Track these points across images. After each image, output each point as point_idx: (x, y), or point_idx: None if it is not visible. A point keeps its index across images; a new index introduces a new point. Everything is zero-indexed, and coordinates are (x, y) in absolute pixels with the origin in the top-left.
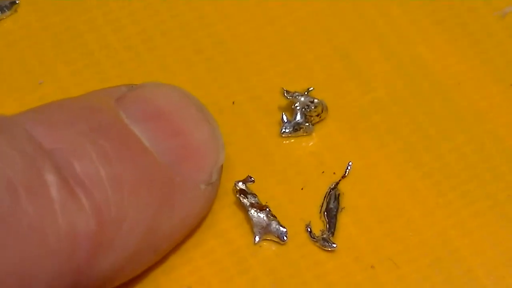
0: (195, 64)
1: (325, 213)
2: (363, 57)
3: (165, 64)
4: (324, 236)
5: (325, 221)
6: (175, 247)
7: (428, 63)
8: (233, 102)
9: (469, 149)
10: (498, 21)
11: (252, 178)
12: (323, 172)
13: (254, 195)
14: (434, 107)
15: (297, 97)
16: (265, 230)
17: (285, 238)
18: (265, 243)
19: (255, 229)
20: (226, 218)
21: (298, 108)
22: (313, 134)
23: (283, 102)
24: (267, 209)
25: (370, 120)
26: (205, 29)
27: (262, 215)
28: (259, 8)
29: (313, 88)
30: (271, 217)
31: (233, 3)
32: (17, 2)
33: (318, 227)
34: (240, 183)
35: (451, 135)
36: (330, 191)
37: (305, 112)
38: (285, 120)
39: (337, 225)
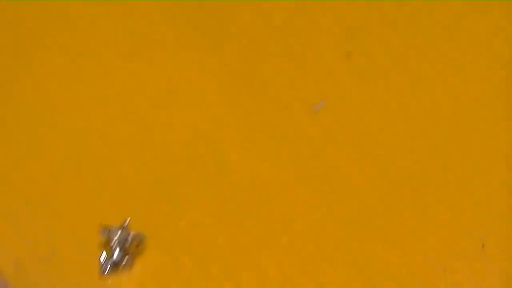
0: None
1: None
2: (175, 179)
3: None
4: None
5: None
6: None
7: (240, 172)
8: (53, 251)
9: None
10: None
11: None
12: None
13: None
14: (250, 210)
15: (113, 233)
16: None
17: None
18: None
19: None
20: None
21: (116, 244)
22: (134, 267)
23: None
24: None
25: (191, 243)
26: None
27: None
28: None
29: (129, 219)
30: None
31: None
32: None
33: None
34: None
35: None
36: None
37: (123, 246)
38: (104, 260)
39: None
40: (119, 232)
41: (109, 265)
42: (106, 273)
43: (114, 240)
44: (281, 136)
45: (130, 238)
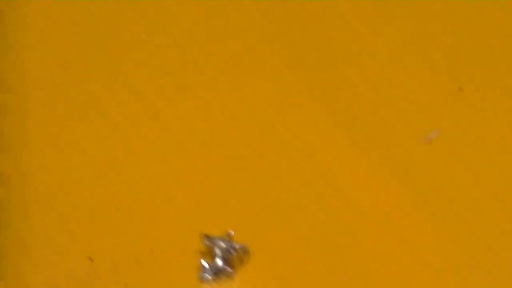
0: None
1: None
2: (284, 194)
3: None
4: None
5: None
6: None
7: (352, 195)
8: (152, 250)
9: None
10: (423, 147)
11: None
12: None
13: None
14: (362, 239)
15: (217, 242)
16: None
17: None
18: None
19: None
20: None
21: (218, 253)
22: (236, 278)
23: (203, 245)
24: None
25: (295, 259)
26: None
27: None
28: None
29: (234, 232)
30: None
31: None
32: None
33: None
34: None
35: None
36: None
37: (225, 257)
38: (205, 266)
39: None
40: (224, 241)
41: (210, 273)
42: (205, 280)
43: (217, 249)
44: (392, 165)
45: (234, 249)
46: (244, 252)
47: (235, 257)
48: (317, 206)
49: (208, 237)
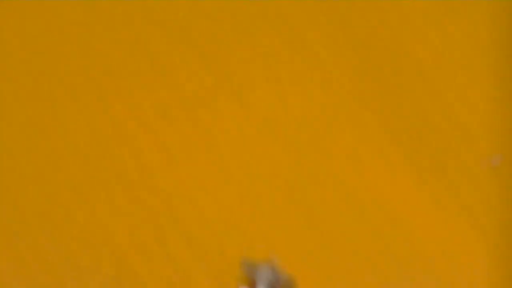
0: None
1: None
2: (329, 215)
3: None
4: None
5: None
6: None
7: (409, 226)
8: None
9: None
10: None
11: None
12: None
13: None
14: (418, 276)
15: (261, 271)
16: None
17: None
18: None
19: None
20: None
21: (261, 284)
22: None
23: (243, 274)
24: None
25: None
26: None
27: None
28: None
29: (278, 259)
30: None
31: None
32: None
33: None
34: None
35: None
36: None
37: None
38: None
39: None
40: (269, 271)
41: None
42: None
43: (260, 280)
44: (450, 187)
45: (280, 281)
46: (291, 285)
47: None
48: (371, 236)
49: (250, 264)
